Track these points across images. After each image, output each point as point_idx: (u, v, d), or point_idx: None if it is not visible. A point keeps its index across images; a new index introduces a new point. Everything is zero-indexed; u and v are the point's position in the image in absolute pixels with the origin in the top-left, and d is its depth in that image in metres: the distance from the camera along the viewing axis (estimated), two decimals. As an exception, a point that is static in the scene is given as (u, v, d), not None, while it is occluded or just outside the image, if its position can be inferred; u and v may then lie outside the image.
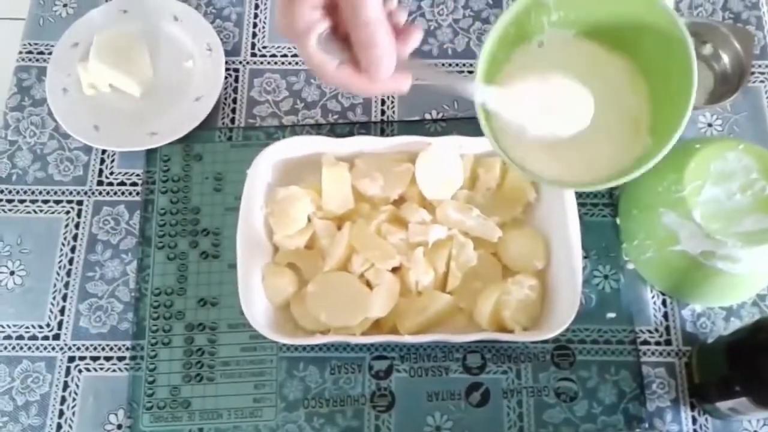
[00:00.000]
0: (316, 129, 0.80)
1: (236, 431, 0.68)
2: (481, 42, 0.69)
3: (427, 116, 0.80)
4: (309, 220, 0.71)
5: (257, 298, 0.68)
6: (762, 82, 0.83)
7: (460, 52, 0.85)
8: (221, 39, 0.83)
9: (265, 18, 0.87)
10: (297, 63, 0.85)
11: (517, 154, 0.54)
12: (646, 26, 0.52)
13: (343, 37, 0.46)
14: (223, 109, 0.82)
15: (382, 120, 0.81)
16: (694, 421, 0.69)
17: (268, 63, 0.85)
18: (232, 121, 0.82)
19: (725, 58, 0.81)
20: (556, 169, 0.54)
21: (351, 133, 0.78)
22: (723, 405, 0.64)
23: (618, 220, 0.75)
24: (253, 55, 0.85)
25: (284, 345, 0.70)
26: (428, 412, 0.69)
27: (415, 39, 0.47)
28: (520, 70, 0.55)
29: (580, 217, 0.69)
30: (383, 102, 0.82)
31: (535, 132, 0.52)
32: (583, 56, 0.56)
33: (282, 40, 0.86)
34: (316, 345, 0.70)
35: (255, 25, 0.87)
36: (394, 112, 0.81)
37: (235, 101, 0.83)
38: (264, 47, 0.86)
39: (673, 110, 0.51)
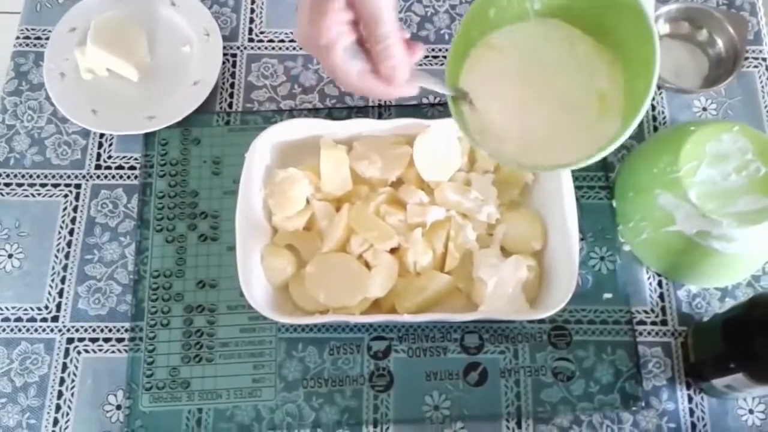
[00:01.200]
0: (314, 113, 0.80)
1: (235, 411, 0.68)
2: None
3: (425, 101, 0.81)
4: (308, 201, 0.71)
5: (256, 280, 0.68)
6: (756, 67, 0.84)
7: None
8: (219, 24, 0.84)
9: (263, 3, 0.87)
10: (294, 48, 0.85)
11: (491, 142, 0.55)
12: (616, 8, 0.52)
13: (362, 47, 0.50)
14: (221, 93, 0.82)
15: (379, 104, 0.81)
16: (690, 399, 0.70)
17: (266, 48, 0.85)
18: (230, 105, 0.82)
19: (720, 43, 0.82)
20: (528, 152, 0.54)
21: (348, 116, 0.79)
22: (719, 382, 0.64)
23: (614, 203, 0.76)
24: (251, 40, 0.85)
25: (283, 326, 0.71)
26: (426, 391, 0.69)
27: (420, 52, 0.52)
28: (496, 53, 0.56)
29: (577, 199, 0.69)
30: (381, 86, 0.82)
31: (504, 124, 0.54)
32: (560, 40, 0.55)
33: (280, 25, 0.86)
34: (315, 326, 0.71)
35: (252, 11, 0.87)
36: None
37: (232, 86, 0.83)
38: (261, 32, 0.86)
39: (639, 91, 0.50)
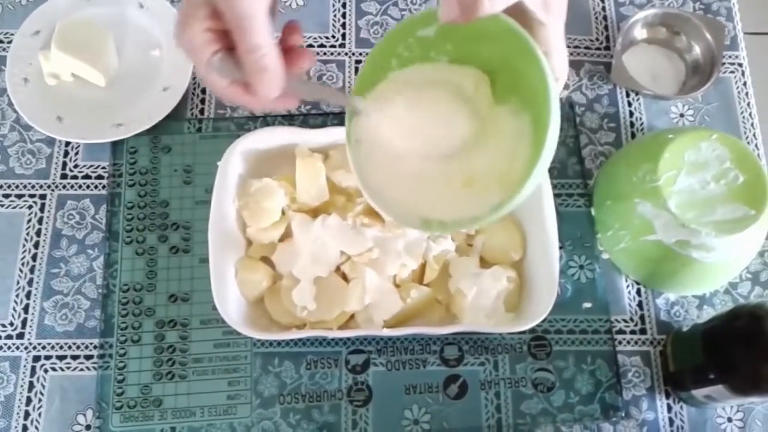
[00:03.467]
0: (289, 120, 0.78)
1: (210, 429, 0.66)
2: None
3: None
4: (283, 212, 0.70)
5: (230, 293, 0.66)
6: (732, 72, 0.84)
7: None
8: (189, 27, 0.81)
9: (235, 6, 0.85)
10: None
11: (379, 178, 0.52)
12: (515, 58, 0.47)
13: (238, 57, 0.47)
14: (192, 99, 0.80)
15: (355, 110, 0.80)
16: (669, 408, 0.70)
17: (238, 52, 0.83)
18: (201, 111, 0.80)
19: (697, 49, 0.82)
20: (415, 201, 0.51)
21: (324, 124, 0.77)
22: (699, 393, 0.64)
23: (593, 211, 0.75)
24: (223, 44, 0.83)
25: (259, 340, 0.69)
26: (406, 405, 0.68)
27: (306, 62, 0.49)
28: (396, 85, 0.52)
29: (555, 207, 0.68)
30: (357, 92, 0.81)
31: (403, 144, 0.50)
32: (463, 79, 0.51)
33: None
34: (292, 340, 0.69)
35: (224, 14, 0.84)
36: (367, 102, 0.80)
37: (204, 91, 0.81)
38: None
39: (541, 131, 0.45)
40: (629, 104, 0.81)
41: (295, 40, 0.48)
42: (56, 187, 0.75)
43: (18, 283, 0.71)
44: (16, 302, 0.71)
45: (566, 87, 0.82)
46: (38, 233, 0.73)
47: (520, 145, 0.47)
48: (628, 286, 0.74)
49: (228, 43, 0.45)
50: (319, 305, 0.65)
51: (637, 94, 0.82)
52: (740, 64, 0.84)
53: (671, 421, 0.69)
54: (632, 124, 0.81)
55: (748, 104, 0.82)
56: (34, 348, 0.69)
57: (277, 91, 0.46)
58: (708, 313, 0.73)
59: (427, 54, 0.51)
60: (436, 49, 0.50)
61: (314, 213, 0.70)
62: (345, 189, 0.70)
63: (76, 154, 0.77)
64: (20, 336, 0.69)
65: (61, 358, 0.69)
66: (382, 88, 0.51)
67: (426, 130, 0.49)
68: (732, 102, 0.82)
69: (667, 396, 0.70)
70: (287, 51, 0.47)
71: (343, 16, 0.85)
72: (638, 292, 0.74)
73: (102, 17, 0.80)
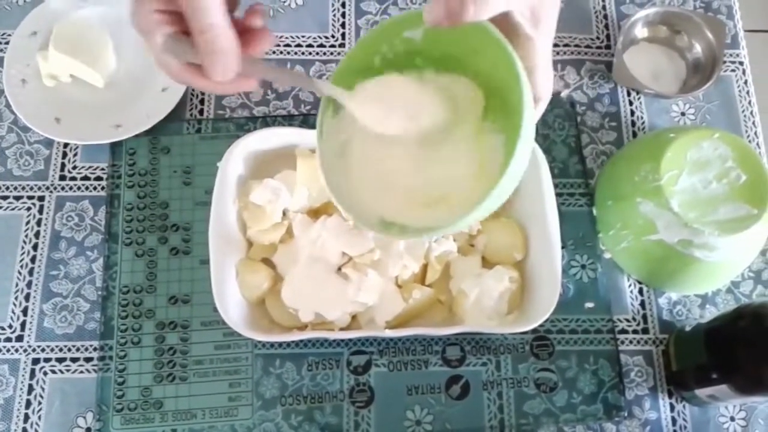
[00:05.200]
0: (288, 120, 0.78)
1: (211, 431, 0.66)
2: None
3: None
4: (284, 214, 0.69)
5: (231, 295, 0.65)
6: (733, 71, 0.83)
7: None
8: (188, 27, 0.80)
9: (234, 6, 0.84)
10: (267, 52, 0.82)
11: (346, 175, 0.51)
12: (499, 70, 0.46)
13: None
14: (191, 100, 0.79)
15: (355, 110, 0.79)
16: (672, 408, 0.69)
17: (238, 52, 0.82)
18: (201, 112, 0.79)
19: (698, 47, 0.82)
20: (379, 203, 0.51)
21: (324, 124, 0.76)
22: (702, 392, 0.64)
23: (594, 210, 0.75)
24: (222, 44, 0.82)
25: (259, 342, 0.68)
26: (408, 406, 0.68)
27: (265, 44, 0.48)
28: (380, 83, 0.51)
29: (557, 207, 0.68)
30: (357, 92, 0.80)
31: (379, 129, 0.49)
32: (452, 90, 0.51)
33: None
34: (293, 341, 0.69)
35: (223, 13, 0.84)
36: (368, 102, 0.80)
37: (203, 92, 0.80)
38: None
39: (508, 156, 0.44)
40: (630, 103, 0.81)
41: (256, 22, 0.47)
42: (55, 188, 0.75)
43: (17, 285, 0.71)
44: (15, 305, 0.70)
45: (567, 86, 0.82)
46: (37, 235, 0.73)
47: (491, 165, 0.47)
48: (630, 286, 0.74)
49: (183, 25, 0.44)
50: (321, 307, 0.65)
51: (638, 93, 0.81)
52: (741, 63, 0.84)
53: (674, 421, 0.69)
54: (633, 123, 0.80)
55: (750, 102, 0.82)
56: (34, 351, 0.69)
57: (231, 74, 0.45)
58: (710, 313, 0.73)
59: (412, 61, 0.50)
60: (422, 55, 0.50)
61: (315, 214, 0.69)
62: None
63: (75, 155, 0.76)
64: (19, 339, 0.69)
65: (60, 360, 0.68)
66: (365, 84, 0.50)
67: (406, 123, 0.49)
68: (733, 100, 0.82)
69: (670, 395, 0.70)
70: (246, 32, 0.46)
71: (343, 15, 0.85)
72: (640, 291, 0.73)
73: (100, 18, 0.80)
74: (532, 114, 0.44)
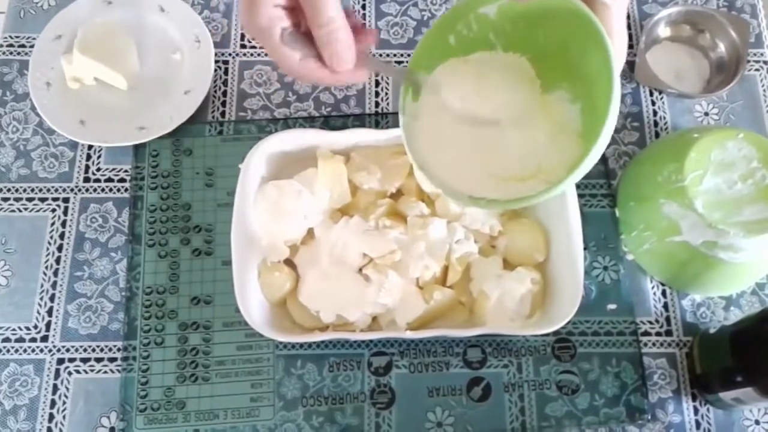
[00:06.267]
0: (309, 122, 0.78)
1: (233, 431, 0.66)
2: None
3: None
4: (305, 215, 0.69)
5: (253, 296, 0.66)
6: (757, 70, 0.82)
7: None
8: (210, 30, 0.81)
9: (254, 8, 0.85)
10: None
11: (430, 155, 0.54)
12: (575, 39, 0.49)
13: (305, 34, 0.49)
14: (213, 102, 0.80)
15: (376, 112, 0.79)
16: (696, 411, 0.69)
17: (259, 55, 0.83)
18: (223, 114, 0.80)
19: (721, 47, 0.81)
20: (474, 181, 0.53)
21: (345, 126, 0.77)
22: (726, 395, 0.63)
23: (617, 211, 0.74)
24: (243, 46, 0.83)
25: (281, 343, 0.69)
26: (429, 408, 0.67)
27: (371, 38, 0.52)
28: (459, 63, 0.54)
29: (579, 208, 0.68)
30: (377, 94, 0.81)
31: (465, 109, 0.52)
32: (517, 67, 0.54)
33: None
34: (314, 342, 0.69)
35: (244, 16, 0.84)
36: (388, 104, 0.80)
37: (225, 94, 0.81)
38: (254, 38, 0.83)
39: (599, 118, 0.47)
40: (653, 103, 0.81)
41: (355, 20, 0.50)
42: (79, 190, 0.76)
43: (42, 286, 0.72)
44: (40, 305, 0.71)
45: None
46: (62, 236, 0.74)
47: (566, 133, 0.49)
48: (653, 287, 0.73)
49: (294, 20, 0.48)
50: (342, 308, 0.65)
51: (660, 92, 0.81)
52: (766, 62, 0.83)
53: (698, 424, 0.68)
54: (656, 123, 0.80)
55: (774, 102, 0.81)
56: (58, 351, 0.69)
57: (351, 63, 0.49)
58: (735, 314, 0.72)
59: (486, 35, 0.53)
60: (494, 30, 0.52)
61: (336, 215, 0.70)
62: (367, 191, 0.70)
63: (99, 157, 0.77)
64: (44, 339, 0.70)
65: (84, 360, 0.69)
66: (446, 66, 0.53)
67: (488, 105, 0.52)
68: (757, 100, 0.81)
69: (694, 398, 0.69)
70: (353, 28, 0.49)
71: (363, 17, 0.85)
72: (663, 293, 0.73)
73: (123, 21, 0.81)
74: (618, 75, 0.46)
